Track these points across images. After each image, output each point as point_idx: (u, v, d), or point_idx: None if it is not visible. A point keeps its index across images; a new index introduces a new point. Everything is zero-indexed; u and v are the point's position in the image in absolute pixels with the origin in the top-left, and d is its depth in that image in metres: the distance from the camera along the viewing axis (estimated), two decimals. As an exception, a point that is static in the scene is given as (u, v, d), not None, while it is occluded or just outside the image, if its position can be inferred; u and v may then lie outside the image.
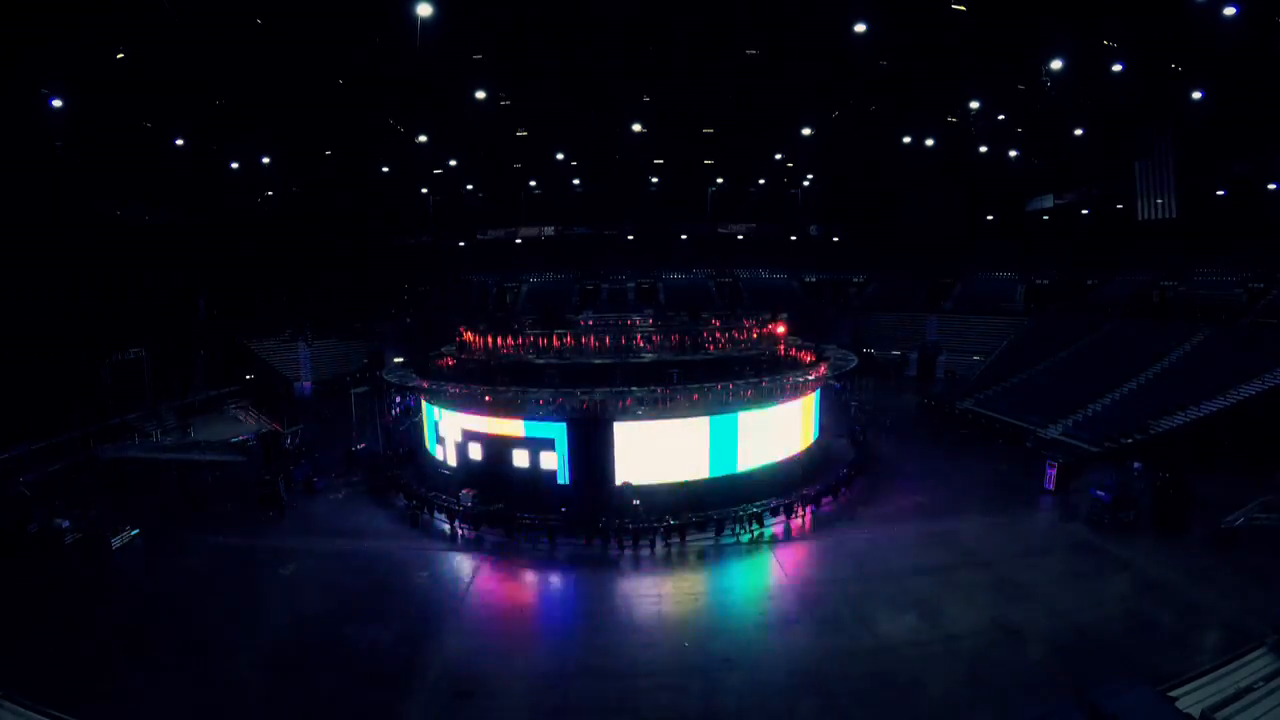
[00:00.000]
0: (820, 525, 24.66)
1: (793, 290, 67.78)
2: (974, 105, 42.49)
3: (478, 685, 14.93)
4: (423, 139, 47.07)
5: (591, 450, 23.92)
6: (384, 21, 31.57)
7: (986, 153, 50.17)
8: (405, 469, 30.35)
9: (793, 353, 32.04)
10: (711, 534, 23.30)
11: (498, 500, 24.69)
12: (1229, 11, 27.66)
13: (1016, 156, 51.89)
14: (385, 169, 57.34)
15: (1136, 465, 26.10)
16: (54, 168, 40.62)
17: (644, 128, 46.98)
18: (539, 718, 14.05)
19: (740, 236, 72.01)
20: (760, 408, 26.90)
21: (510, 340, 30.11)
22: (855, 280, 69.77)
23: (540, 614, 19.33)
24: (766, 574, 21.37)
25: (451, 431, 28.22)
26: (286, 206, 61.55)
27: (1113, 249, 53.20)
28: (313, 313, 57.22)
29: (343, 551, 22.69)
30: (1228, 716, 10.08)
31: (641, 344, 29.51)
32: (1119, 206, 50.69)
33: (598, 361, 27.60)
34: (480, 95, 39.04)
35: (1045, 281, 58.28)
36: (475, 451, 27.07)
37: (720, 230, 71.30)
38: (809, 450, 30.15)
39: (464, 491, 25.34)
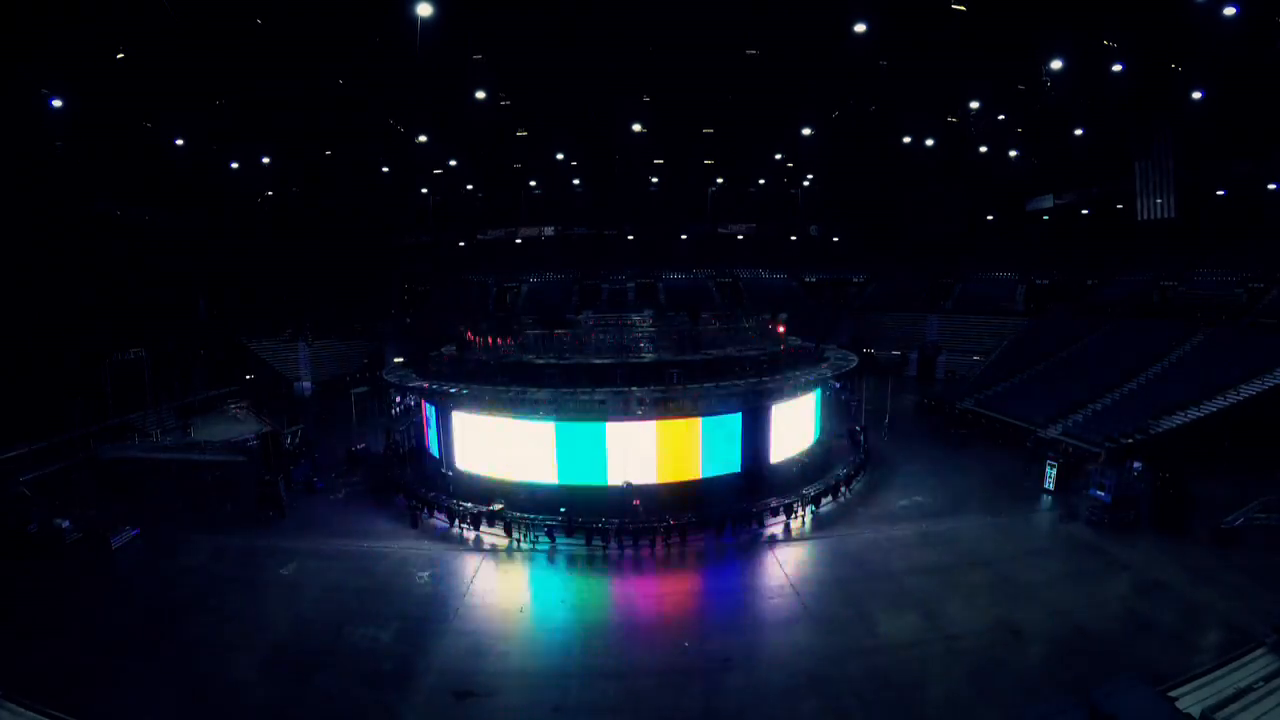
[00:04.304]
0: (820, 525, 24.66)
1: (793, 290, 67.76)
2: (974, 105, 42.54)
3: (478, 685, 14.92)
4: (423, 139, 47.12)
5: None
6: (383, 21, 31.60)
7: (986, 153, 50.23)
8: (405, 469, 30.34)
9: (793, 353, 32.02)
10: (712, 534, 23.29)
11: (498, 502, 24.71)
12: (1229, 11, 27.67)
13: (1016, 156, 51.94)
14: (385, 169, 57.39)
15: (1136, 465, 26.05)
16: (54, 167, 40.66)
17: (644, 128, 47.00)
18: (539, 718, 14.05)
19: (740, 236, 72.05)
20: (760, 408, 26.88)
21: (510, 340, 30.09)
22: (855, 280, 69.77)
23: (540, 614, 19.32)
24: (766, 574, 21.35)
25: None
26: (286, 206, 61.61)
27: (1113, 249, 53.20)
28: (313, 313, 57.26)
29: (343, 551, 22.68)
30: (1228, 716, 10.08)
31: (641, 344, 29.49)
32: (1119, 206, 50.77)
33: (598, 361, 27.58)
34: (480, 95, 39.07)
35: (1045, 281, 58.25)
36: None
37: (720, 230, 71.36)
38: (809, 450, 30.14)
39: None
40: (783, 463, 27.86)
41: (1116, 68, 34.25)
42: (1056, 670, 14.91)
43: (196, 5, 29.18)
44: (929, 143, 49.75)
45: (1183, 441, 28.19)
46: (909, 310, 60.52)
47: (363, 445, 33.15)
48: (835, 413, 34.06)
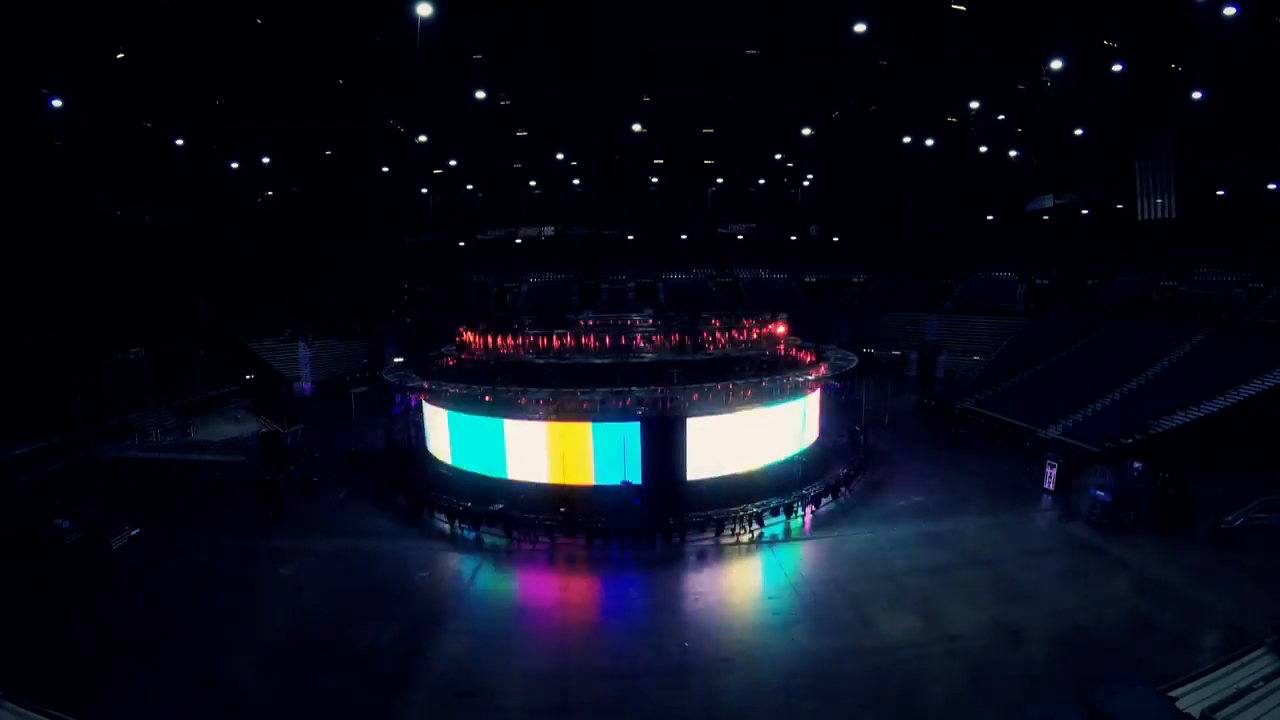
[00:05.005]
0: (820, 525, 24.64)
1: (793, 290, 67.77)
2: (974, 105, 42.55)
3: (478, 685, 14.92)
4: (423, 139, 47.12)
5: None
6: (384, 21, 31.60)
7: (986, 153, 50.22)
8: (405, 469, 30.33)
9: (793, 353, 32.02)
10: (712, 534, 23.30)
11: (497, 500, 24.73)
12: (1229, 11, 27.68)
13: (1016, 156, 51.95)
14: (385, 169, 57.40)
15: (1136, 465, 26.03)
16: (54, 167, 40.66)
17: (644, 128, 47.02)
18: (539, 718, 14.05)
19: (740, 236, 72.08)
20: (760, 407, 26.90)
21: (510, 340, 30.09)
22: (855, 280, 69.78)
23: (540, 614, 19.31)
24: (766, 574, 21.37)
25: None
26: (287, 206, 61.62)
27: (1113, 249, 53.22)
28: (313, 313, 57.25)
29: (343, 551, 22.67)
30: (1228, 716, 10.06)
31: (641, 344, 29.47)
32: (1119, 206, 50.77)
33: (598, 361, 27.57)
34: (480, 95, 39.08)
35: (1045, 281, 58.28)
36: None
37: (720, 230, 71.38)
38: (809, 450, 30.13)
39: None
40: (781, 462, 27.86)
41: (1117, 68, 34.25)
42: (1056, 670, 14.88)
43: (196, 5, 29.18)
44: (929, 143, 49.76)
45: (1183, 441, 28.17)
46: (909, 310, 60.51)
47: (363, 445, 33.12)
48: (835, 413, 34.03)
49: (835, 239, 72.27)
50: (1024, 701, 13.31)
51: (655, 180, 64.97)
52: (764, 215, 70.60)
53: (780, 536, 23.63)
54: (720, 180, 66.85)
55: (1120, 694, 10.17)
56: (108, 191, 48.20)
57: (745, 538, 23.28)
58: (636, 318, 34.81)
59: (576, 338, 29.64)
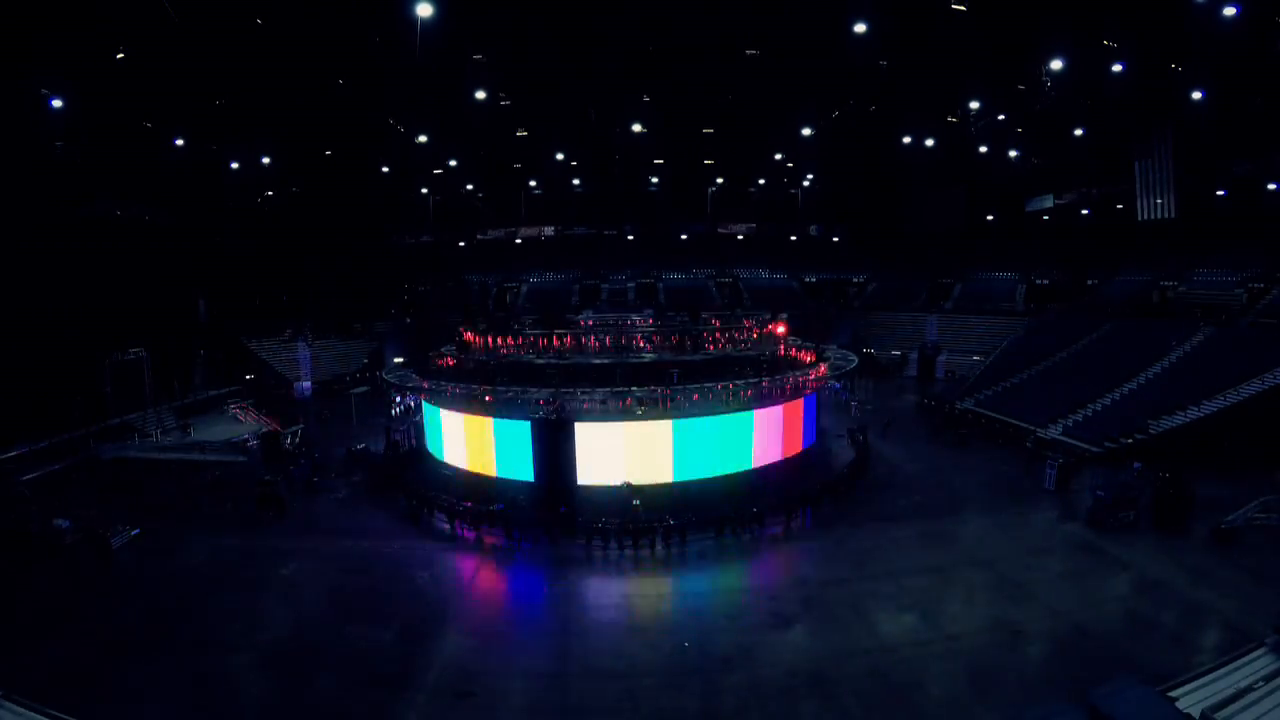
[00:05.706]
0: (820, 525, 24.63)
1: (793, 290, 67.76)
2: (974, 105, 42.54)
3: (478, 685, 14.92)
4: (423, 139, 47.10)
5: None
6: (384, 21, 31.60)
7: (986, 153, 50.21)
8: (405, 469, 30.34)
9: (793, 353, 32.04)
10: (712, 534, 23.28)
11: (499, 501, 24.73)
12: (1229, 12, 27.68)
13: (1016, 156, 51.94)
14: (385, 169, 57.39)
15: (1136, 465, 26.08)
16: (53, 167, 40.66)
17: (644, 128, 47.01)
18: (539, 718, 14.05)
19: (740, 236, 72.08)
20: (760, 408, 26.90)
21: (510, 340, 30.10)
22: (855, 280, 69.81)
23: (540, 614, 19.32)
24: (767, 574, 21.36)
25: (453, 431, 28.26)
26: (287, 206, 61.60)
27: (1113, 249, 53.22)
28: (313, 313, 57.26)
29: (343, 551, 22.68)
30: (1228, 716, 10.06)
31: (641, 344, 29.50)
32: (1119, 206, 50.76)
33: (598, 361, 27.60)
34: (480, 95, 39.07)
35: (1045, 281, 58.31)
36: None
37: (720, 230, 71.38)
38: (809, 450, 30.14)
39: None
40: (782, 462, 27.86)
41: (1117, 68, 34.25)
42: (1056, 670, 14.90)
43: (196, 5, 29.17)
44: (929, 143, 49.74)
45: (1183, 441, 28.19)
46: (909, 310, 60.56)
47: (363, 445, 33.14)
48: (835, 413, 34.06)
49: (835, 239, 72.27)
50: (1024, 701, 13.31)
51: (655, 180, 64.94)
52: (764, 215, 70.59)
53: (780, 536, 23.63)
54: (720, 180, 66.85)
55: (1120, 694, 10.17)
56: (107, 191, 48.18)
57: (745, 538, 23.26)
58: (636, 318, 34.85)
59: (576, 338, 29.67)
